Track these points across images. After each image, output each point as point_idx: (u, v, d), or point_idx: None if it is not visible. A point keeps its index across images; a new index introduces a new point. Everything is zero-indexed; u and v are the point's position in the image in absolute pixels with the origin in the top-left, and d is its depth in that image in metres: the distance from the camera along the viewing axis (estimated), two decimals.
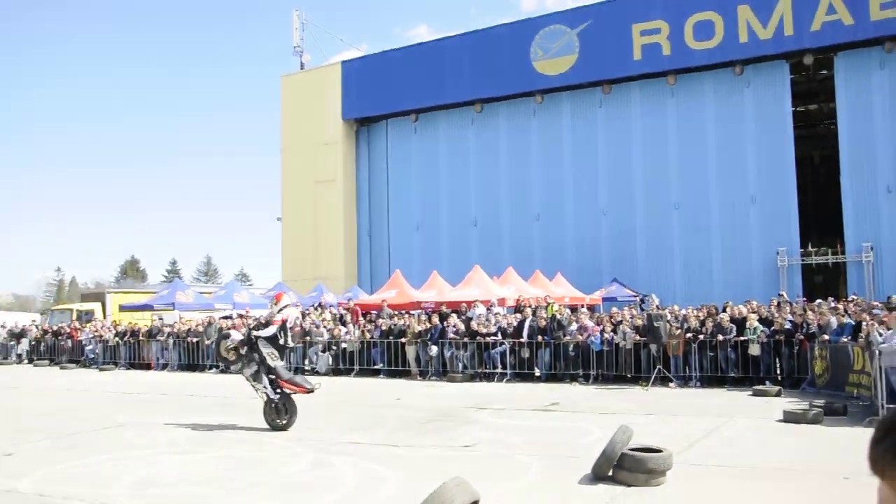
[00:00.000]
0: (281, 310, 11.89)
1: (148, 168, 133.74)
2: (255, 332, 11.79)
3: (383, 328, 20.52)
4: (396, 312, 21.90)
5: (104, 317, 35.15)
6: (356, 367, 20.49)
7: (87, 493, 7.25)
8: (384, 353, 20.19)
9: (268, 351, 11.51)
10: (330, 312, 23.98)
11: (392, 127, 38.94)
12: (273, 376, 11.38)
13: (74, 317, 35.03)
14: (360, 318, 22.47)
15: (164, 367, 24.52)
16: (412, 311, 22.26)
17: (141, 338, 25.92)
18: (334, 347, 21.00)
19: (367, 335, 20.75)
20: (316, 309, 24.67)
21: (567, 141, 34.39)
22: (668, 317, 17.28)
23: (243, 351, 11.90)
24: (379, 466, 8.31)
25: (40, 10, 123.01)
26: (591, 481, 7.46)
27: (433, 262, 33.55)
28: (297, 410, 11.29)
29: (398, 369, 19.75)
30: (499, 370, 18.29)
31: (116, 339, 26.61)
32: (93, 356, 27.11)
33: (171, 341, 24.69)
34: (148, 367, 25.03)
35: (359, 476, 7.88)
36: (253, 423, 11.92)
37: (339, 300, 27.32)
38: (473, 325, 19.22)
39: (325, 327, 21.62)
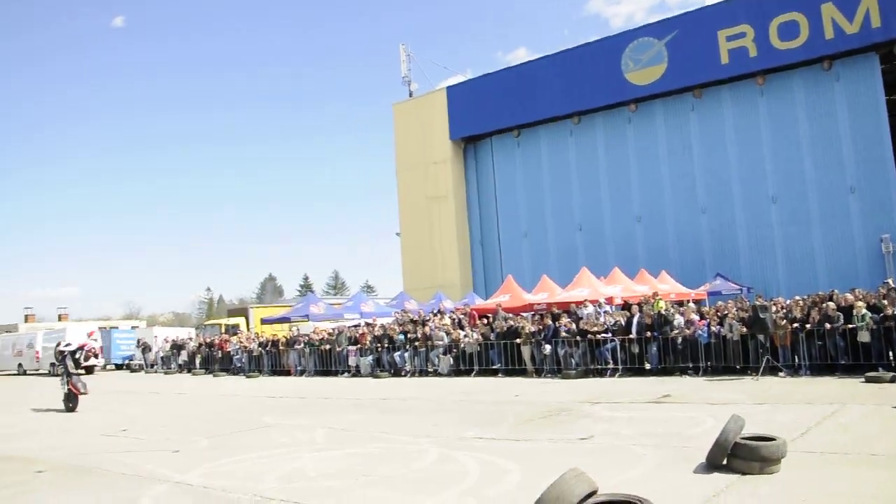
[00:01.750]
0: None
1: (281, 196, 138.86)
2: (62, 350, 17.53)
3: (499, 330, 20.47)
4: (510, 315, 21.81)
5: (248, 329, 36.65)
6: (476, 367, 20.51)
7: (242, 486, 7.54)
8: (501, 354, 20.13)
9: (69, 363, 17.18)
10: (449, 318, 24.13)
11: (496, 143, 38.98)
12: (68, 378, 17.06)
13: (223, 330, 36.75)
14: (477, 322, 22.50)
15: (302, 372, 25.28)
16: (525, 314, 22.11)
17: (281, 347, 26.83)
18: (454, 350, 21.10)
19: (485, 337, 20.75)
20: (436, 315, 24.87)
21: (662, 145, 33.53)
22: (774, 308, 16.49)
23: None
24: (501, 459, 8.26)
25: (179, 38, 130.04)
26: (706, 470, 7.18)
27: (542, 266, 33.33)
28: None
29: (515, 368, 19.65)
30: (610, 366, 17.91)
31: (259, 348, 27.66)
32: (240, 365, 28.27)
33: (307, 349, 25.44)
34: (287, 373, 25.87)
35: (482, 469, 7.86)
36: (383, 422, 12.13)
37: (456, 305, 27.47)
38: (583, 324, 18.91)
39: (445, 331, 21.77)
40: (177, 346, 33.69)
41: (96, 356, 21.83)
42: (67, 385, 17.05)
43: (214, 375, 28.31)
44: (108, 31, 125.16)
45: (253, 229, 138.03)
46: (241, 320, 40.12)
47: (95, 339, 22.06)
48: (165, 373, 32.49)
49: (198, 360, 31.67)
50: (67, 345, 17.75)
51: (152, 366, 35.02)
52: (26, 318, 67.25)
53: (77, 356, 17.41)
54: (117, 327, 49.29)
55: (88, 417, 15.50)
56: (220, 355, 30.07)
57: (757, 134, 31.00)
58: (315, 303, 30.98)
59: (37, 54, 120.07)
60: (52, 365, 32.74)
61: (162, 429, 12.77)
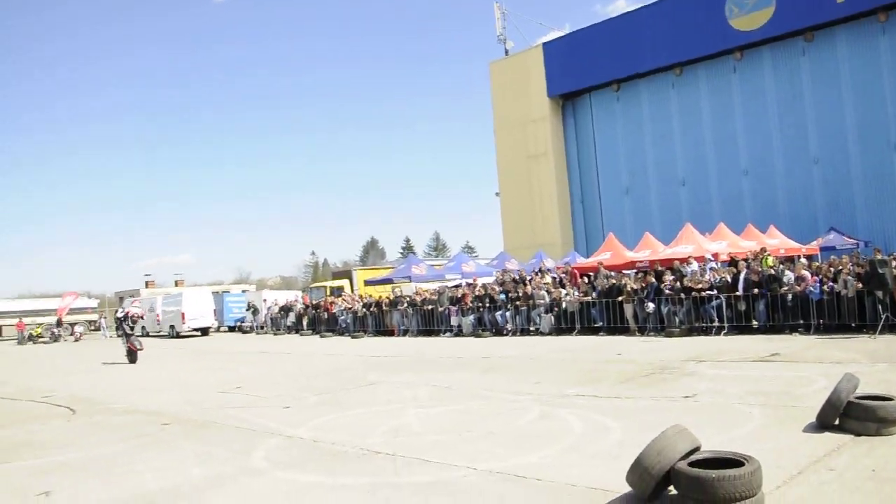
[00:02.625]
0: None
1: (381, 159, 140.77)
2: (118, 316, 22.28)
3: (601, 288, 20.25)
4: (612, 273, 21.52)
5: (352, 291, 37.63)
6: (577, 326, 20.41)
7: (350, 440, 7.86)
8: (603, 312, 19.93)
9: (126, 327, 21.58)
10: (550, 276, 24.04)
11: (595, 99, 38.10)
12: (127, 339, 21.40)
13: (328, 292, 37.89)
14: (579, 280, 22.32)
15: (405, 332, 25.82)
16: (627, 271, 21.77)
17: (384, 308, 27.45)
18: (556, 309, 21.05)
19: (586, 296, 20.58)
20: (537, 274, 24.83)
21: (771, 93, 31.87)
22: (894, 263, 15.59)
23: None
24: (603, 417, 8.26)
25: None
26: (817, 429, 6.94)
27: (644, 223, 32.61)
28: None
29: (617, 327, 19.43)
30: (715, 324, 17.45)
31: (363, 309, 28.40)
32: (345, 325, 29.14)
33: (409, 310, 25.94)
34: (391, 333, 26.49)
35: (584, 426, 7.88)
36: (486, 380, 12.30)
37: (557, 264, 27.31)
38: (687, 281, 18.46)
39: (546, 290, 21.71)
40: (285, 309, 35.08)
41: (141, 318, 26.06)
42: (127, 344, 21.35)
43: (321, 336, 29.33)
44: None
45: (355, 194, 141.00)
46: (345, 282, 41.22)
47: (138, 307, 27.12)
48: (274, 334, 33.88)
49: (305, 322, 32.88)
50: (119, 313, 22.72)
51: (262, 327, 36.61)
52: (147, 284, 71.07)
53: (127, 322, 21.81)
54: (229, 291, 51.61)
55: (206, 376, 16.44)
56: (325, 316, 31.09)
57: (877, 76, 28.97)
58: (417, 264, 31.49)
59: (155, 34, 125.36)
60: (133, 329, 35.07)
61: (273, 386, 13.40)
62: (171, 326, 37.79)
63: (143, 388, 14.58)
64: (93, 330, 52.16)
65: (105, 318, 46.98)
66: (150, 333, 41.23)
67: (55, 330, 43.95)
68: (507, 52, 41.39)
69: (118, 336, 23.34)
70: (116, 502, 6.19)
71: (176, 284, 71.49)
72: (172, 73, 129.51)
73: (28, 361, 25.96)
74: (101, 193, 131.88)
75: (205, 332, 37.79)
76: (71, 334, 45.81)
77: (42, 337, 43.17)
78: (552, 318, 21.01)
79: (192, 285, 75.08)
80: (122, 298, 63.88)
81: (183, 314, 36.47)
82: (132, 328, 21.95)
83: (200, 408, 11.12)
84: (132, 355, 21.14)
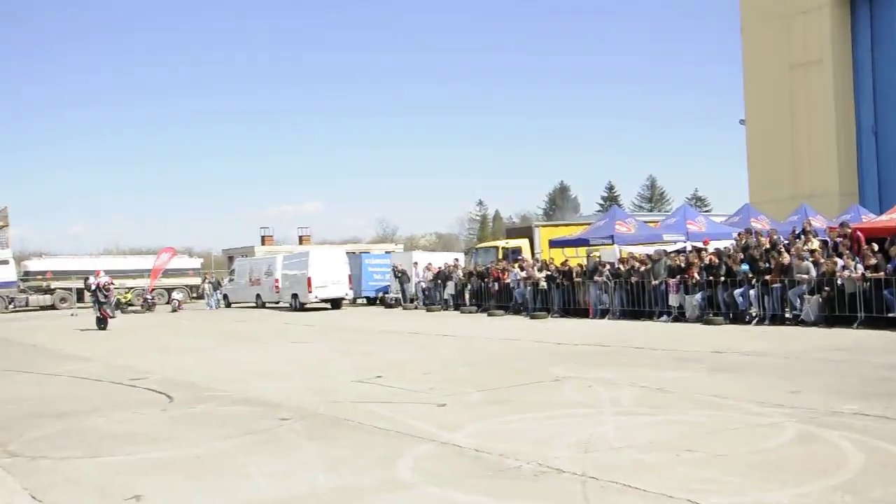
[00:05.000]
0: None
1: (575, 77, 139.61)
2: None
3: None
4: None
5: (532, 254, 37.83)
6: (860, 314, 19.53)
7: (523, 452, 8.01)
8: None
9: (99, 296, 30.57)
10: (819, 241, 23.10)
11: None
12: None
13: (500, 256, 38.35)
14: (864, 248, 21.26)
15: (604, 313, 25.79)
16: None
17: (575, 279, 27.47)
18: (826, 288, 20.22)
19: (876, 271, 19.61)
20: (799, 237, 23.92)
21: None
22: None
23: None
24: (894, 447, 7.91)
25: None
26: None
27: None
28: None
29: None
30: None
31: (547, 280, 28.57)
32: (521, 301, 29.47)
33: (611, 283, 25.81)
34: (585, 313, 26.54)
35: (866, 459, 7.56)
36: (716, 383, 12.09)
37: (830, 224, 26.15)
38: None
39: (812, 261, 20.89)
40: (441, 276, 35.96)
41: (111, 286, 33.27)
42: (99, 311, 30.47)
43: (489, 314, 29.86)
44: None
45: (538, 124, 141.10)
46: (523, 243, 41.50)
47: (105, 276, 33.00)
48: (427, 309, 34.92)
49: (467, 294, 33.60)
50: (90, 283, 31.44)
51: (412, 300, 37.81)
52: (263, 240, 74.84)
53: (102, 290, 30.51)
54: (368, 252, 53.61)
55: (338, 361, 17.28)
56: (496, 288, 31.58)
57: None
58: (622, 219, 31.20)
59: None
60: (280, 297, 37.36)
61: (424, 377, 13.86)
62: (294, 296, 39.85)
63: (258, 373, 15.60)
64: (195, 297, 56.03)
65: (210, 282, 50.20)
66: (267, 304, 43.67)
67: (148, 296, 47.57)
68: None
69: (93, 304, 31.81)
70: None
71: (300, 241, 75.12)
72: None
73: (115, 335, 28.32)
74: (204, 125, 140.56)
75: (336, 304, 39.58)
76: (167, 302, 49.52)
77: (132, 305, 46.93)
78: (819, 300, 20.26)
79: (321, 243, 78.75)
80: (231, 258, 68.12)
81: (309, 280, 38.40)
82: (106, 297, 30.83)
83: (330, 400, 11.72)
84: (102, 322, 30.06)
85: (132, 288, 50.35)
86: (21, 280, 54.26)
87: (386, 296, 40.88)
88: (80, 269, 52.82)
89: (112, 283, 33.02)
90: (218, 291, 48.43)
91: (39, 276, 54.37)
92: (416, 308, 36.69)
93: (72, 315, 42.83)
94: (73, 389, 14.53)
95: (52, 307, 52.54)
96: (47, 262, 57.00)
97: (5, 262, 53.42)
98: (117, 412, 11.64)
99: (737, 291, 22.15)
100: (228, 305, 47.72)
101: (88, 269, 53.72)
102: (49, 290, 53.77)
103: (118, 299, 45.61)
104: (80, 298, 51.96)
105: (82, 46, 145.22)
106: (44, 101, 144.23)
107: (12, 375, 17.22)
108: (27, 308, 52.04)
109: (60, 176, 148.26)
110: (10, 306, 52.17)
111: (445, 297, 35.28)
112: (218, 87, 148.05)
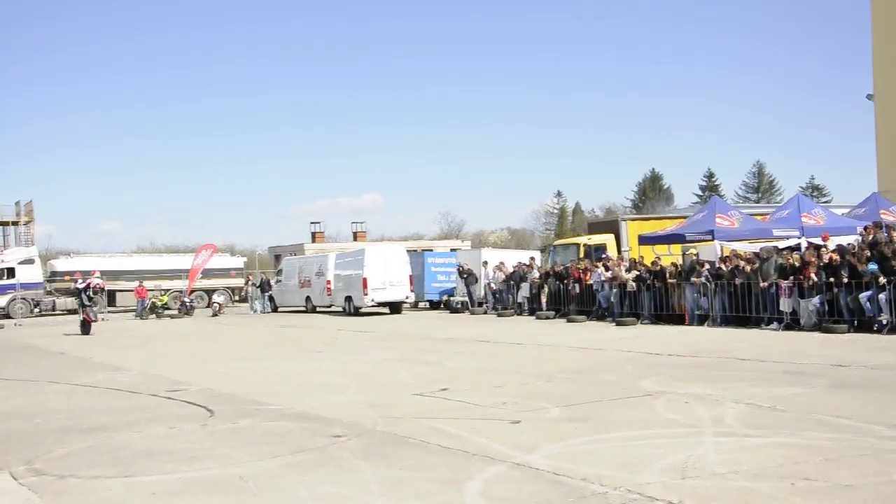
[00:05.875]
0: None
1: (662, 54, 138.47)
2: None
3: None
4: None
5: (618, 252, 37.58)
6: None
7: (609, 476, 7.91)
8: None
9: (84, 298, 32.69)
10: None
11: None
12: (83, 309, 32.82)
13: (581, 253, 38.10)
14: None
15: (703, 320, 25.50)
16: None
17: (669, 280, 27.20)
18: None
19: None
20: None
21: None
22: None
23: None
24: None
25: None
26: None
27: None
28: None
29: None
30: None
31: (636, 282, 28.34)
32: (606, 305, 29.28)
33: (710, 284, 25.50)
34: (680, 319, 26.28)
35: None
36: (838, 401, 11.88)
37: None
38: None
39: None
40: (514, 277, 35.88)
41: (102, 290, 36.52)
42: (83, 314, 32.08)
43: (568, 320, 29.73)
44: None
45: (626, 106, 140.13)
46: (608, 239, 41.20)
47: (100, 277, 36.38)
48: (498, 314, 34.87)
49: (544, 298, 33.47)
50: (80, 283, 33.01)
51: (480, 304, 37.79)
52: (314, 237, 75.43)
53: (87, 292, 32.31)
54: (432, 250, 53.75)
55: (398, 372, 17.31)
56: (576, 290, 31.42)
57: None
58: (724, 212, 30.78)
59: None
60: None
61: (495, 390, 13.85)
62: (348, 298, 40.08)
63: (308, 385, 15.73)
64: (237, 301, 56.65)
65: (255, 283, 50.71)
66: (318, 308, 43.99)
67: (187, 299, 48.19)
68: None
69: (78, 306, 33.50)
70: None
71: (355, 238, 75.67)
72: None
73: (151, 342, 28.78)
74: (249, 116, 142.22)
75: (395, 308, 39.71)
76: (207, 306, 50.16)
77: (168, 308, 47.59)
78: None
79: (379, 240, 79.24)
80: (277, 257, 68.84)
81: (365, 281, 38.58)
82: (91, 299, 32.65)
83: (389, 415, 11.76)
84: (85, 326, 31.78)
85: (168, 290, 51.03)
86: (47, 281, 55.23)
87: (451, 299, 40.92)
88: (111, 268, 53.63)
89: (103, 286, 35.99)
90: (264, 294, 48.72)
91: (67, 277, 55.17)
92: (485, 313, 36.67)
93: (102, 320, 43.55)
94: (105, 402, 14.77)
95: None
96: (76, 262, 57.53)
97: (30, 261, 54.35)
98: (153, 427, 11.80)
99: (863, 295, 21.74)
100: (275, 309, 48.16)
101: (120, 270, 54.86)
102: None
103: (153, 303, 46.36)
104: (112, 302, 52.74)
105: (125, 42, 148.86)
106: (78, 95, 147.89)
107: (40, 386, 17.57)
108: (53, 312, 52.96)
109: (91, 169, 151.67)
110: (36, 310, 53.09)
111: (519, 300, 35.19)
112: (267, 77, 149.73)
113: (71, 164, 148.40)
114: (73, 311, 51.18)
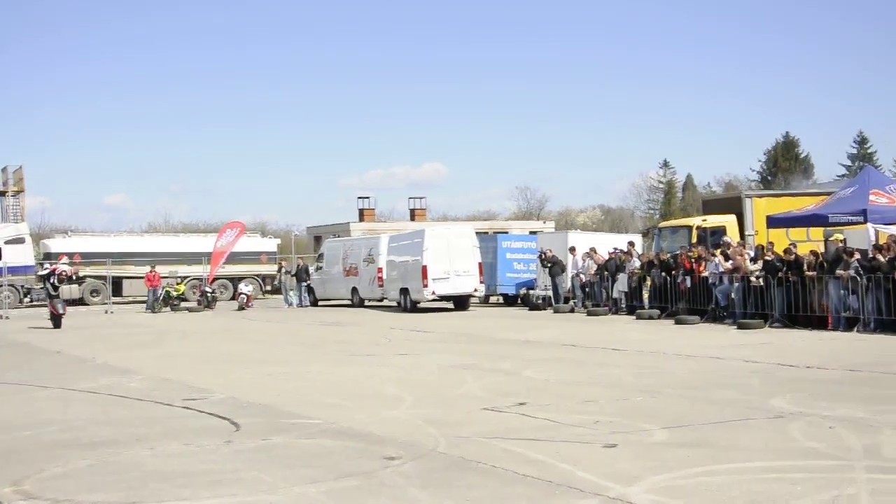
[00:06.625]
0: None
1: None
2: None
3: None
4: None
5: (741, 237, 37.22)
6: None
7: None
8: None
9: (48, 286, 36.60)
10: None
11: None
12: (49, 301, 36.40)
13: (694, 238, 37.76)
14: None
15: (851, 323, 25.21)
16: None
17: (807, 272, 26.87)
18: None
19: None
20: None
21: None
22: None
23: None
24: None
25: None
26: None
27: None
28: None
29: None
30: None
31: (762, 272, 28.02)
32: (725, 303, 29.04)
33: (861, 280, 25.14)
34: (821, 322, 25.99)
35: None
36: None
37: None
38: None
39: None
40: (609, 267, 35.70)
41: (70, 279, 37.77)
42: (49, 306, 34.17)
43: (677, 321, 29.55)
44: None
45: (750, 55, 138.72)
46: (728, 220, 40.79)
47: (66, 263, 37.76)
48: (589, 312, 34.73)
49: (645, 293, 33.27)
50: (44, 269, 33.01)
51: (567, 300, 37.61)
52: (362, 215, 75.33)
53: (52, 280, 34.36)
54: (506, 232, 53.52)
55: (464, 381, 17.30)
56: (687, 284, 31.20)
57: None
58: (881, 187, 30.32)
59: None
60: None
61: (584, 406, 13.82)
62: (403, 291, 40.05)
63: (354, 395, 15.78)
64: (269, 291, 56.89)
65: (289, 271, 50.90)
66: (367, 301, 44.10)
67: (208, 289, 48.36)
68: None
69: (47, 297, 36.45)
70: None
71: (413, 217, 75.68)
72: None
73: (164, 340, 29.10)
74: (285, 74, 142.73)
75: (461, 303, 39.68)
76: (233, 297, 50.41)
77: (186, 300, 47.92)
78: None
79: (441, 219, 79.22)
80: (318, 239, 69.14)
81: (424, 269, 38.59)
82: (57, 288, 34.32)
83: (454, 434, 11.74)
84: (56, 320, 33.83)
85: (185, 277, 51.29)
86: (39, 264, 55.09)
87: (531, 293, 40.75)
88: (116, 250, 53.67)
89: (70, 273, 38.00)
90: (301, 284, 48.70)
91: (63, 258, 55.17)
92: (572, 311, 36.58)
93: (106, 313, 44.02)
94: (109, 411, 14.94)
95: (81, 301, 53.86)
96: (74, 242, 57.65)
97: (19, 240, 54.32)
98: (166, 443, 11.89)
99: None
100: (314, 303, 48.39)
101: (127, 252, 54.77)
102: (77, 280, 53.14)
103: (167, 293, 46.53)
104: (118, 291, 52.77)
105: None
106: (78, 47, 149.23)
107: (32, 392, 17.83)
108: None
109: (93, 129, 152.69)
110: (26, 299, 53.06)
111: (615, 295, 35.04)
112: (310, 22, 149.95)
113: (69, 123, 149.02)
114: (75, 302, 51.69)
